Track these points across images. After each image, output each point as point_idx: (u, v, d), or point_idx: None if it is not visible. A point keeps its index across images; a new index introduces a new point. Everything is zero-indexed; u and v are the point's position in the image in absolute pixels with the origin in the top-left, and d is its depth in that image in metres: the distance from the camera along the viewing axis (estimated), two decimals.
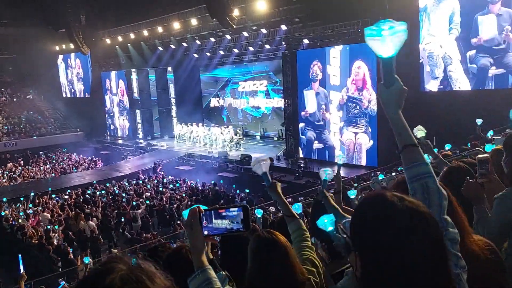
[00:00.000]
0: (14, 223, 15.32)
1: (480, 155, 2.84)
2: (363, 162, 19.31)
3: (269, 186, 2.63)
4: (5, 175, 25.84)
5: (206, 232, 1.68)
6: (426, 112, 15.70)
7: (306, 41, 21.15)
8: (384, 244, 1.20)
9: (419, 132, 4.29)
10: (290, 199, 11.68)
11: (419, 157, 1.56)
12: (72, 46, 31.85)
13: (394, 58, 1.49)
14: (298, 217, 2.71)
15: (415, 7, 16.93)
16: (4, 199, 18.09)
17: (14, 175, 25.79)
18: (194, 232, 1.68)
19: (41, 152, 31.57)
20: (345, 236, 1.39)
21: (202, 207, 1.70)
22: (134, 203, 16.20)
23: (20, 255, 5.53)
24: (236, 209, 1.69)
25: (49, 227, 14.24)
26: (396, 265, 1.18)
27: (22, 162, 29.35)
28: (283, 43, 22.78)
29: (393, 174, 10.27)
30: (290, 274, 2.09)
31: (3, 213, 16.73)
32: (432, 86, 17.19)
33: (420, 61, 17.20)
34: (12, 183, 24.33)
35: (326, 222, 2.70)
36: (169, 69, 31.90)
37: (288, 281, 2.07)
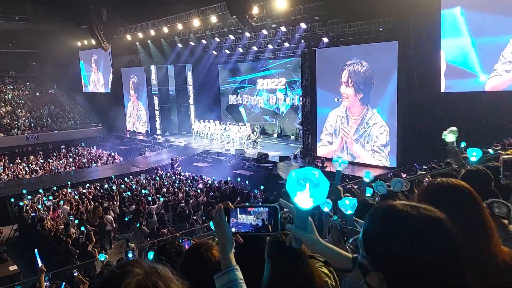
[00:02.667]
0: (34, 214, 15.61)
1: (505, 156, 2.79)
2: (383, 163, 19.09)
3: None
4: (26, 168, 26.34)
5: (233, 230, 1.64)
6: (446, 113, 15.51)
7: (325, 39, 21.01)
8: (405, 257, 1.15)
9: (449, 135, 4.00)
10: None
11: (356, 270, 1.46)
12: (93, 42, 32.27)
13: (308, 211, 1.50)
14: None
15: (436, 9, 16.63)
16: (24, 191, 18.49)
17: (35, 168, 26.27)
18: (221, 229, 1.64)
19: (62, 146, 32.10)
20: (356, 255, 1.32)
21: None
22: (150, 198, 16.37)
23: (36, 249, 5.60)
24: (265, 209, 1.64)
25: (71, 218, 14.51)
26: (425, 276, 1.13)
27: (43, 155, 29.87)
28: (302, 41, 22.68)
29: (404, 175, 10.11)
30: (308, 277, 2.06)
31: (21, 203, 17.09)
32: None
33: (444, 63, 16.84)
34: (33, 176, 24.79)
35: (347, 204, 2.64)
36: (188, 66, 32.05)
37: (306, 283, 2.05)
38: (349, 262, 1.50)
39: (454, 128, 4.06)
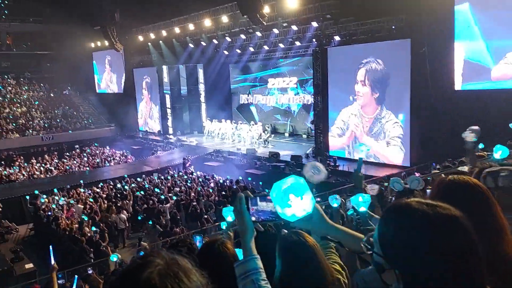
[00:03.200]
0: (49, 213, 15.82)
1: None
2: (395, 161, 18.96)
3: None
4: (41, 168, 26.69)
5: (253, 218, 1.66)
6: (461, 111, 15.34)
7: (337, 38, 20.93)
8: (423, 256, 1.15)
9: (470, 135, 3.88)
10: (318, 198, 11.60)
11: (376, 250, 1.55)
12: (106, 43, 32.58)
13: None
14: None
15: (449, 5, 16.47)
16: (36, 192, 18.73)
17: (49, 168, 26.60)
18: (242, 217, 1.64)
19: (76, 146, 32.46)
20: (369, 252, 1.31)
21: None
22: (162, 197, 16.49)
23: (51, 246, 5.66)
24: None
25: (85, 218, 14.66)
26: (443, 274, 1.14)
27: (57, 155, 30.24)
28: (314, 40, 22.61)
29: (417, 174, 10.02)
30: (320, 274, 2.07)
31: (42, 199, 17.34)
32: None
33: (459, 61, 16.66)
34: (48, 175, 25.11)
35: (360, 202, 2.58)
36: (200, 65, 32.18)
37: (318, 281, 2.05)
38: (358, 247, 1.50)
39: (476, 128, 3.95)
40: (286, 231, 2.29)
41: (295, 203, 1.49)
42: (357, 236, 1.59)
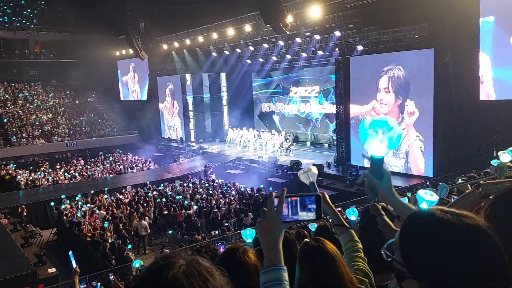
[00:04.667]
0: (72, 219, 16.06)
1: None
2: (417, 171, 18.66)
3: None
4: (65, 173, 27.19)
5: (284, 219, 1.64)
6: (484, 122, 15.07)
7: (360, 47, 20.82)
8: (448, 267, 1.12)
9: (505, 155, 3.53)
10: (339, 208, 11.51)
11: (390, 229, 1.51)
12: (131, 51, 33.17)
13: (383, 159, 1.61)
14: (349, 227, 2.60)
15: (475, 18, 16.21)
16: (63, 196, 19.07)
17: (74, 174, 27.08)
18: (276, 219, 1.60)
19: (100, 153, 32.99)
20: (389, 259, 1.28)
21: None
22: (186, 202, 16.59)
23: (71, 252, 5.71)
24: (310, 198, 1.68)
25: (105, 224, 14.84)
26: (467, 286, 1.10)
27: (81, 161, 30.77)
28: (336, 49, 22.55)
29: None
30: (339, 283, 2.05)
31: (63, 206, 17.63)
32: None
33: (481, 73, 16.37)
34: (72, 181, 25.55)
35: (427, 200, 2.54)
36: (223, 74, 32.45)
37: None
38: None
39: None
40: (307, 240, 2.28)
41: (379, 139, 1.54)
42: (409, 206, 1.60)
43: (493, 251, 1.13)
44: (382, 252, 1.34)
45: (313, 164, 16.27)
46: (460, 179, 10.99)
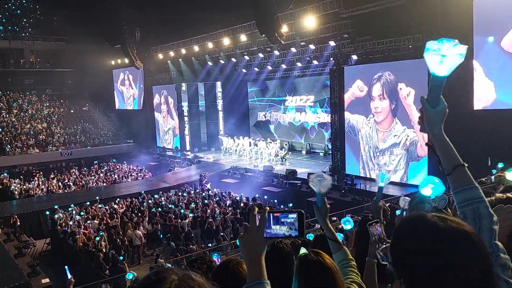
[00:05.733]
0: (66, 229, 15.94)
1: None
2: (409, 180, 18.72)
3: (319, 207, 2.51)
4: (59, 183, 27.02)
5: (265, 235, 1.62)
6: (479, 131, 15.14)
7: (354, 57, 20.96)
8: (428, 268, 1.14)
9: (509, 174, 3.38)
10: (334, 218, 11.51)
11: (469, 180, 1.49)
12: (126, 61, 33.20)
13: (445, 79, 1.46)
14: (344, 246, 2.60)
15: (468, 24, 16.38)
16: (56, 206, 18.92)
17: (68, 183, 26.91)
18: (257, 233, 1.59)
19: (95, 162, 32.83)
20: (384, 262, 1.29)
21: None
22: (182, 211, 16.51)
23: (66, 266, 5.70)
24: (292, 214, 1.65)
25: (101, 233, 14.73)
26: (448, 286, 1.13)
27: (76, 171, 30.61)
28: (331, 58, 22.69)
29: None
30: None
31: (57, 216, 17.50)
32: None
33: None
34: (66, 191, 25.39)
35: (433, 187, 2.41)
36: (218, 83, 32.52)
37: None
38: (451, 165, 1.51)
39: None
40: (305, 250, 2.27)
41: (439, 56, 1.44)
42: (455, 155, 1.55)
43: (475, 255, 1.15)
44: (377, 254, 1.36)
45: (310, 173, 16.27)
46: None
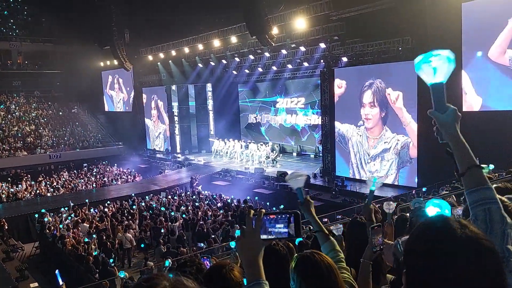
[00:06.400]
0: (54, 232, 15.77)
1: None
2: (400, 182, 18.84)
3: (302, 202, 2.59)
4: (48, 186, 26.73)
5: (264, 236, 1.65)
6: (468, 132, 15.24)
7: (344, 59, 21.06)
8: (432, 269, 1.13)
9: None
10: (325, 219, 11.51)
11: (483, 180, 1.49)
12: (116, 62, 32.99)
13: (444, 85, 1.51)
14: (331, 237, 2.65)
15: (457, 28, 16.54)
16: (43, 210, 18.69)
17: (57, 186, 26.65)
18: (254, 236, 1.62)
19: (84, 164, 32.56)
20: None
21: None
22: (172, 213, 16.43)
23: (57, 271, 5.65)
24: (288, 215, 1.68)
25: (93, 236, 14.59)
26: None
27: (65, 173, 30.33)
28: (322, 61, 22.77)
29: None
30: None
31: (46, 219, 17.30)
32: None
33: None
34: (55, 194, 25.13)
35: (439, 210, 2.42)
36: (209, 85, 32.46)
37: None
38: (465, 165, 1.51)
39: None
40: (306, 252, 2.28)
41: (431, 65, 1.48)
42: (471, 157, 1.54)
43: (484, 267, 1.12)
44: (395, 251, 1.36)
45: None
46: (443, 190, 11.07)
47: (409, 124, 18.42)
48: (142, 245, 15.91)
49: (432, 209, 2.22)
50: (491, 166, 8.54)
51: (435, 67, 1.45)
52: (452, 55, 1.45)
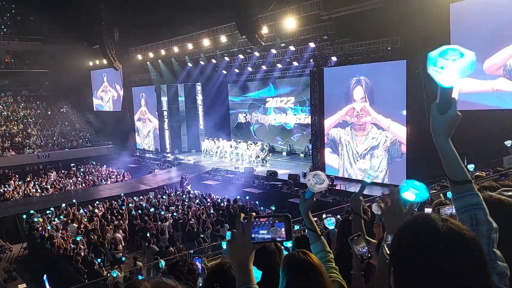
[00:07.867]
0: (43, 233, 15.63)
1: None
2: (388, 180, 18.96)
3: (306, 199, 2.56)
4: (36, 186, 26.48)
5: (254, 239, 1.64)
6: (456, 131, 15.35)
7: (334, 58, 21.14)
8: (418, 264, 1.15)
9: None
10: (315, 218, 11.55)
11: (470, 187, 1.49)
12: (105, 62, 32.75)
13: (452, 88, 1.42)
14: (322, 237, 2.65)
15: (445, 28, 16.68)
16: (31, 211, 18.52)
17: (45, 186, 26.40)
18: (244, 239, 1.62)
19: (72, 164, 32.29)
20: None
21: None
22: (163, 213, 16.36)
23: (45, 276, 5.61)
24: (278, 218, 1.67)
25: (79, 238, 14.49)
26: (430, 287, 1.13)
27: (54, 173, 30.05)
28: (311, 60, 22.83)
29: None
30: None
31: (36, 219, 17.15)
32: None
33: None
34: (43, 194, 24.91)
35: (417, 193, 2.34)
36: (198, 84, 32.38)
37: None
38: (461, 176, 1.49)
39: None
40: (295, 251, 2.30)
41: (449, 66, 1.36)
42: (462, 167, 1.51)
43: (469, 258, 1.15)
44: (384, 250, 1.37)
45: (291, 174, 16.27)
46: (432, 189, 11.16)
47: (389, 128, 18.66)
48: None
49: (408, 194, 2.16)
50: (471, 166, 8.58)
51: (444, 68, 1.34)
52: (473, 57, 1.32)
